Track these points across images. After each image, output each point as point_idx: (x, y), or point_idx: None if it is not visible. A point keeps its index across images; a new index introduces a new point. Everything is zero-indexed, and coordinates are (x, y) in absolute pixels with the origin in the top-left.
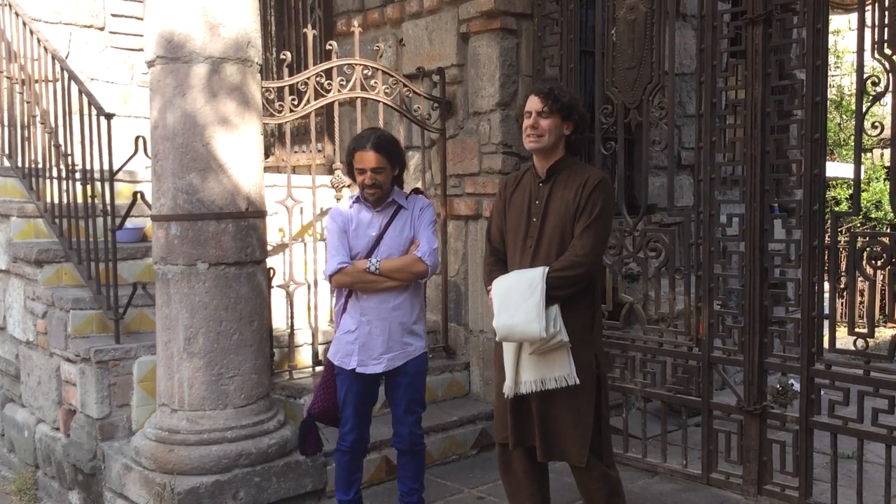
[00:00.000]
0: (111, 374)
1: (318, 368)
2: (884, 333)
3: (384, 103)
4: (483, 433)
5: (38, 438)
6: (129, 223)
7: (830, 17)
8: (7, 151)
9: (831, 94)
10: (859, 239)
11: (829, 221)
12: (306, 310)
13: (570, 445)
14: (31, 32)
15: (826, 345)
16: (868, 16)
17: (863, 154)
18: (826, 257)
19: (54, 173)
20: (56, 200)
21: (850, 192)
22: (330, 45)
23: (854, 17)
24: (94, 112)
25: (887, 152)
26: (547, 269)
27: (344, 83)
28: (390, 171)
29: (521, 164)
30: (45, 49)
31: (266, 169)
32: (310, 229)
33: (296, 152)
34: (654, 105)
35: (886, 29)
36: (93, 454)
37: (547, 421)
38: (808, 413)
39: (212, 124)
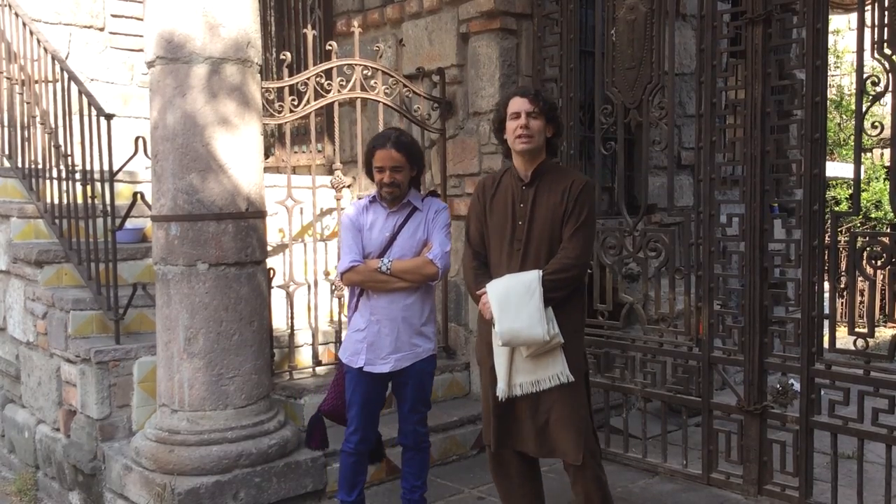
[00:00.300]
0: (111, 375)
1: (319, 369)
2: (884, 333)
3: (384, 103)
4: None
5: (38, 439)
6: (129, 224)
7: (830, 16)
8: (7, 152)
9: (831, 93)
10: (859, 239)
11: (829, 221)
12: (306, 310)
13: (566, 443)
14: (31, 33)
15: (826, 345)
16: (868, 16)
17: (863, 154)
18: (826, 257)
19: (54, 174)
20: (56, 201)
21: (850, 191)
22: (330, 45)
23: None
24: (93, 112)
25: (887, 152)
26: (541, 272)
27: (344, 83)
28: (409, 171)
29: None
30: (45, 49)
31: (266, 169)
32: (310, 229)
33: (296, 153)
34: (654, 105)
35: (886, 29)
36: (93, 455)
37: (540, 418)
38: (809, 413)
39: (212, 125)
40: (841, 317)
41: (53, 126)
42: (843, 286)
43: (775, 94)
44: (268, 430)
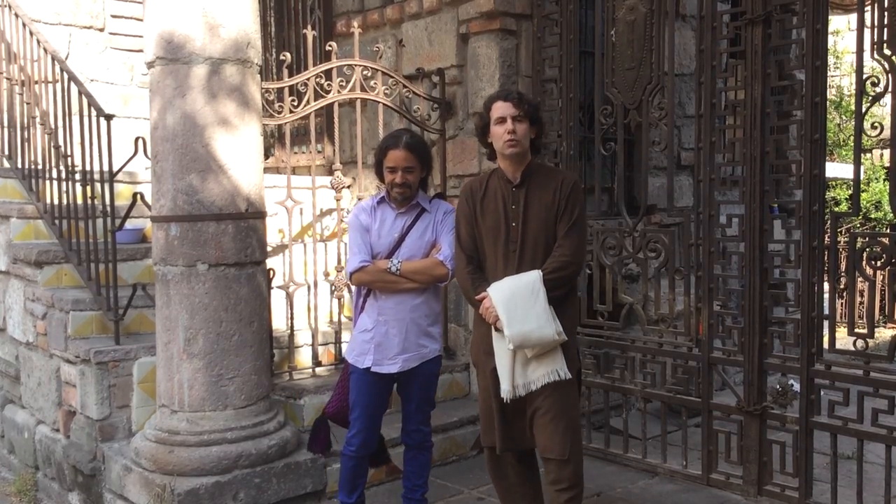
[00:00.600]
0: (111, 376)
1: (318, 369)
2: (883, 334)
3: (384, 104)
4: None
5: (37, 440)
6: (129, 224)
7: (830, 17)
8: (7, 152)
9: (831, 94)
10: (859, 239)
11: (829, 222)
12: (306, 311)
13: (553, 437)
14: (31, 33)
15: (826, 345)
16: (867, 16)
17: (862, 154)
18: (826, 258)
19: (54, 174)
20: (56, 201)
21: (850, 192)
22: (329, 45)
23: (853, 17)
24: (93, 113)
25: (887, 153)
26: (540, 272)
27: (344, 84)
28: (419, 172)
29: None
30: (45, 50)
31: (266, 170)
32: (309, 230)
33: (295, 153)
34: (654, 105)
35: (886, 29)
36: (93, 455)
37: (529, 412)
38: (808, 413)
39: (211, 125)
40: (841, 317)
41: (53, 126)
42: (842, 287)
43: (775, 94)
44: (267, 430)
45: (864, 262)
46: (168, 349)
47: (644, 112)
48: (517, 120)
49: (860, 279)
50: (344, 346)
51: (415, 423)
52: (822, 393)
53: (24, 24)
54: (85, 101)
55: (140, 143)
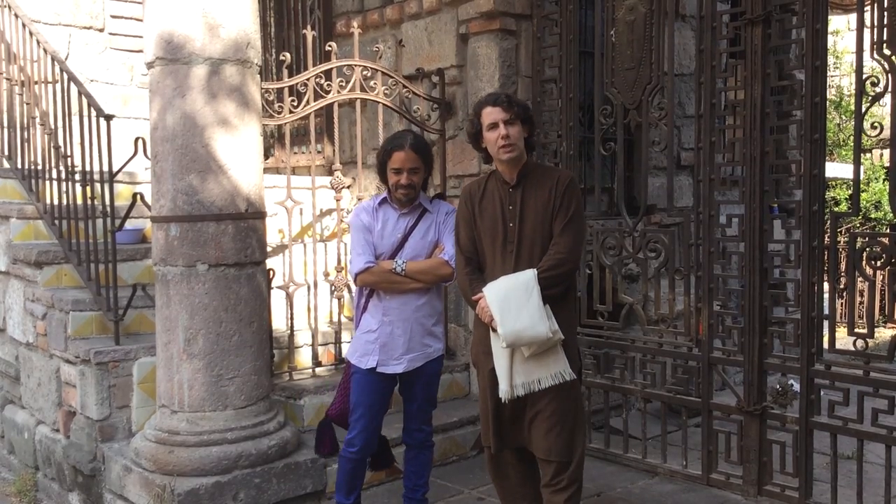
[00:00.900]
0: (111, 376)
1: (318, 370)
2: (883, 334)
3: (384, 104)
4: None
5: (37, 440)
6: (129, 224)
7: (829, 17)
8: (7, 153)
9: (830, 94)
10: (859, 239)
11: (829, 222)
12: (306, 311)
13: (556, 440)
14: (31, 34)
15: (826, 345)
16: (867, 16)
17: (862, 154)
18: (826, 258)
19: (54, 175)
20: (56, 202)
21: (850, 192)
22: (329, 46)
23: (853, 17)
24: (93, 113)
25: (886, 153)
26: (536, 270)
27: (343, 84)
28: (423, 173)
29: None
30: (45, 50)
31: (266, 170)
32: (309, 230)
33: (295, 153)
34: (654, 106)
35: (885, 29)
36: (93, 455)
37: (532, 414)
38: (808, 413)
39: (211, 125)
40: (840, 317)
41: (53, 127)
42: (842, 287)
43: (775, 94)
44: (267, 430)
45: (863, 262)
46: (168, 349)
47: (644, 112)
48: (509, 123)
49: (860, 279)
50: (344, 347)
51: (417, 422)
52: (822, 393)
53: (23, 25)
54: (85, 101)
55: (140, 143)
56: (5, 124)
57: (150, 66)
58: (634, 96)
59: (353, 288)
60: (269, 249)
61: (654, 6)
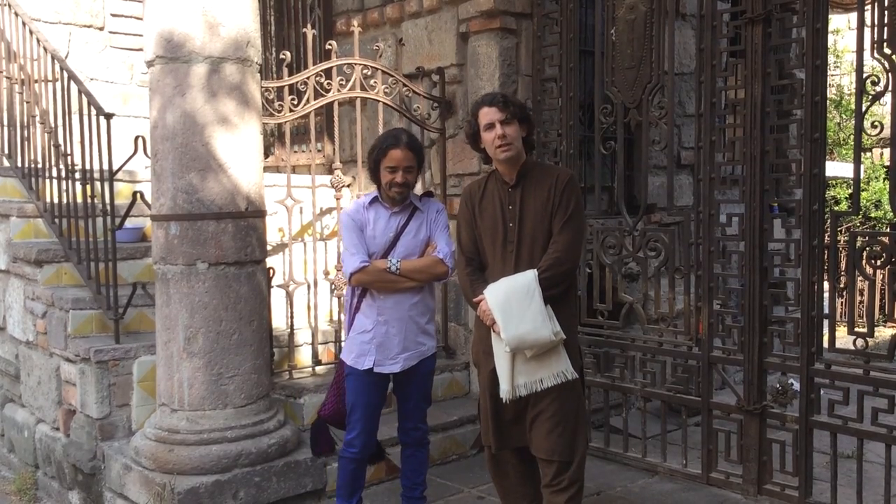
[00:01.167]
0: (111, 374)
1: (318, 368)
2: (883, 333)
3: (384, 103)
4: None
5: (37, 438)
6: (129, 223)
7: (830, 16)
8: (7, 151)
9: (831, 93)
10: (859, 238)
11: (829, 221)
12: (306, 309)
13: (557, 441)
14: (31, 32)
15: (826, 344)
16: (867, 15)
17: (862, 153)
18: (826, 257)
19: (54, 173)
20: (56, 200)
21: (850, 191)
22: (329, 44)
23: (853, 16)
24: (93, 112)
25: (887, 152)
26: (536, 271)
27: (343, 83)
28: (417, 171)
29: None
30: (45, 49)
31: (266, 169)
32: (309, 229)
33: (295, 152)
34: (654, 105)
35: (886, 28)
36: (93, 454)
37: (535, 414)
38: (808, 413)
39: (211, 124)
40: (840, 316)
41: (53, 125)
42: (842, 286)
43: (775, 93)
44: (267, 429)
45: (863, 262)
46: (168, 348)
47: (644, 111)
48: (505, 123)
49: (860, 278)
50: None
51: (413, 420)
52: (821, 392)
53: (23, 23)
54: (85, 99)
55: (140, 141)
56: (5, 123)
57: (150, 64)
58: (635, 95)
59: (346, 288)
60: (269, 248)
61: (655, 5)
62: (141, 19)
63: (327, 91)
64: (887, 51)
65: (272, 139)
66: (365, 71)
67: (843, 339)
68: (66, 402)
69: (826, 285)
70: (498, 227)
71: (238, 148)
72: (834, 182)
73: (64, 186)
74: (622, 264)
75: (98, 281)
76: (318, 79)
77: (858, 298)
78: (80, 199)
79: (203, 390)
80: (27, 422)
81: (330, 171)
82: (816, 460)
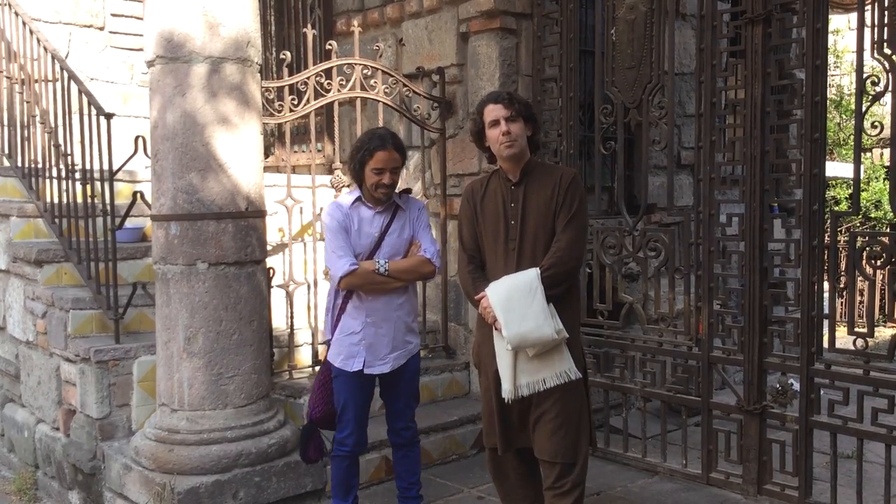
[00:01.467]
0: (111, 374)
1: (318, 368)
2: (883, 333)
3: (384, 103)
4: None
5: (37, 438)
6: (129, 223)
7: (830, 16)
8: (7, 151)
9: (831, 93)
10: (859, 238)
11: (829, 221)
12: (306, 309)
13: (560, 443)
14: (31, 32)
15: (826, 344)
16: (868, 15)
17: (862, 154)
18: (826, 257)
19: (54, 173)
20: (56, 200)
21: (850, 191)
22: (330, 44)
23: (854, 16)
24: (93, 112)
25: (887, 152)
26: (538, 269)
27: (344, 83)
28: (401, 170)
29: None
30: (45, 49)
31: (266, 169)
32: (309, 229)
33: (295, 152)
34: (654, 105)
35: (886, 28)
36: (92, 454)
37: (538, 415)
38: (808, 413)
39: (211, 124)
40: (840, 316)
41: (53, 125)
42: (842, 286)
43: (775, 93)
44: (267, 429)
45: (863, 262)
46: (168, 348)
47: (644, 111)
48: (510, 120)
49: (860, 278)
50: None
51: (404, 420)
52: (821, 392)
53: (23, 23)
54: (85, 99)
55: (140, 141)
56: (5, 122)
57: (150, 64)
58: (635, 95)
59: (331, 290)
60: (269, 248)
61: (655, 5)
62: (141, 19)
63: (327, 91)
64: (887, 51)
65: (272, 139)
66: (365, 71)
67: (843, 339)
68: (66, 402)
69: (826, 285)
70: (500, 225)
71: (238, 148)
72: (834, 182)
73: (64, 186)
74: (622, 264)
75: (98, 281)
76: (318, 79)
77: (858, 298)
78: (80, 199)
79: (203, 390)
80: (27, 422)
81: (330, 171)
82: (816, 460)
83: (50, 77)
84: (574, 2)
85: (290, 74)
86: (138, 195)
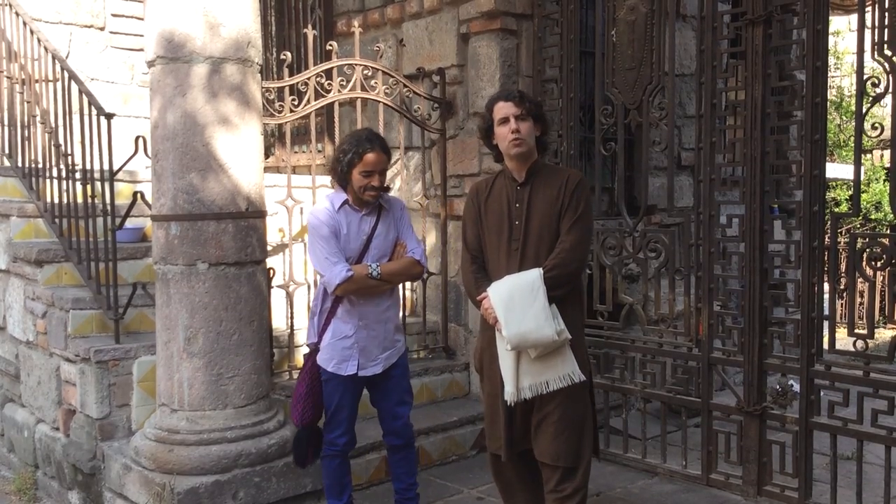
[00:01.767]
0: (111, 374)
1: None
2: (883, 334)
3: (384, 103)
4: (483, 434)
5: (37, 438)
6: (129, 223)
7: (830, 18)
8: (7, 151)
9: (831, 95)
10: (859, 240)
11: (829, 222)
12: (306, 310)
13: (563, 446)
14: (32, 32)
15: (826, 346)
16: (868, 17)
17: (863, 155)
18: (826, 258)
19: (54, 173)
20: (56, 200)
21: (850, 193)
22: (330, 45)
23: (854, 18)
24: (94, 112)
25: (887, 153)
26: (541, 270)
27: (344, 83)
28: (386, 172)
29: None
30: (46, 49)
31: (266, 169)
32: None
33: (296, 152)
34: (654, 106)
35: (886, 30)
36: (92, 454)
37: (541, 417)
38: (808, 414)
39: (212, 124)
40: (840, 318)
41: (53, 125)
42: (842, 287)
43: (775, 94)
44: (267, 429)
45: (864, 263)
46: (168, 348)
47: (644, 112)
48: (520, 119)
49: (860, 280)
50: None
51: (400, 418)
52: (821, 393)
53: (24, 23)
54: (85, 99)
55: (140, 141)
56: (6, 122)
57: (150, 64)
58: (635, 96)
59: (319, 293)
60: (269, 248)
61: (655, 6)
62: (141, 19)
63: (328, 92)
64: (888, 52)
65: (273, 139)
66: (365, 71)
67: (843, 340)
68: (66, 402)
69: (826, 287)
70: (504, 225)
71: (238, 148)
72: (834, 183)
73: (64, 186)
74: (622, 265)
75: (98, 281)
76: (318, 79)
77: (858, 300)
78: (80, 199)
79: (203, 390)
80: (27, 422)
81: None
82: (816, 462)
83: (50, 77)
84: (574, 3)
85: (291, 75)
86: (139, 195)
